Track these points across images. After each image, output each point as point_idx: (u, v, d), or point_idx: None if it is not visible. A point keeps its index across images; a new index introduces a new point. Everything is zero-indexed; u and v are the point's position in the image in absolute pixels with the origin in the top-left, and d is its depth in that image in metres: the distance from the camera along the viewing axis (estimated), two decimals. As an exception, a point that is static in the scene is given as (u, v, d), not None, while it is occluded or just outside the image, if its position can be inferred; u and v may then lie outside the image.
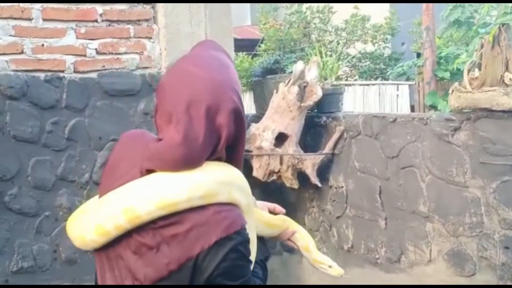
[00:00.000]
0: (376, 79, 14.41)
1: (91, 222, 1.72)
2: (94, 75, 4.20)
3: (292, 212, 5.57)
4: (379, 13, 15.44)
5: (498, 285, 4.05)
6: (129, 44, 4.31)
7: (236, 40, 5.54)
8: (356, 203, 4.99)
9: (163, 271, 1.64)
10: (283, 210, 2.29)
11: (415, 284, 4.53)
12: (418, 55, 12.07)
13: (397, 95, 13.00)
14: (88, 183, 4.20)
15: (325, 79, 5.49)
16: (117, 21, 4.28)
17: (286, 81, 5.08)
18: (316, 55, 5.72)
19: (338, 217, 5.17)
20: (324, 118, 5.26)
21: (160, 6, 4.39)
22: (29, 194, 3.99)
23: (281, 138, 5.07)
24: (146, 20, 4.38)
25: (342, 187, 5.10)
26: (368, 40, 15.02)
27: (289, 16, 14.00)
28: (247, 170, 5.10)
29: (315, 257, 2.34)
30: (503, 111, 3.95)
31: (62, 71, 4.10)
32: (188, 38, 4.46)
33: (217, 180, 1.69)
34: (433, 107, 6.74)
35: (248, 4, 20.69)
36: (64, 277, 4.06)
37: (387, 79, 13.68)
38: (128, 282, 1.69)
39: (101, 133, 4.20)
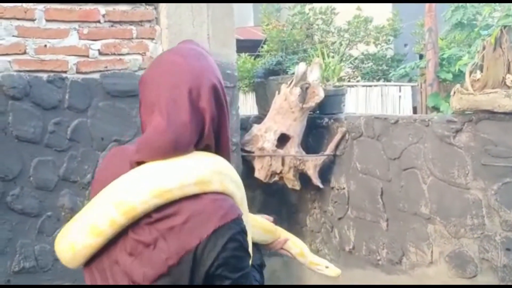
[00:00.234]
0: (378, 80, 14.41)
1: (83, 226, 1.68)
2: (96, 75, 4.20)
3: (294, 213, 5.58)
4: (381, 14, 15.44)
5: (499, 285, 4.05)
6: (131, 45, 4.32)
7: (238, 41, 5.54)
8: (358, 205, 4.99)
9: (162, 268, 1.61)
10: (271, 218, 2.26)
11: (416, 284, 4.54)
12: (421, 56, 12.06)
13: (400, 96, 13.00)
14: (90, 183, 4.20)
15: (327, 80, 5.49)
16: (120, 22, 4.29)
17: (288, 82, 5.08)
18: (318, 56, 5.72)
19: (339, 218, 5.17)
20: (326, 120, 5.27)
21: (162, 7, 4.39)
22: (31, 195, 4.00)
23: (283, 139, 5.07)
24: (149, 21, 4.39)
25: (343, 188, 5.11)
26: (371, 41, 15.01)
27: (292, 17, 13.99)
28: (249, 171, 5.10)
29: (311, 259, 2.35)
30: (505, 113, 3.95)
31: (65, 72, 4.10)
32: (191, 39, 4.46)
33: (209, 168, 1.68)
34: (436, 108, 6.74)
35: (250, 5, 20.70)
36: (66, 277, 4.06)
37: (390, 81, 13.67)
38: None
39: (104, 134, 4.21)
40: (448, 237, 4.33)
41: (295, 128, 5.05)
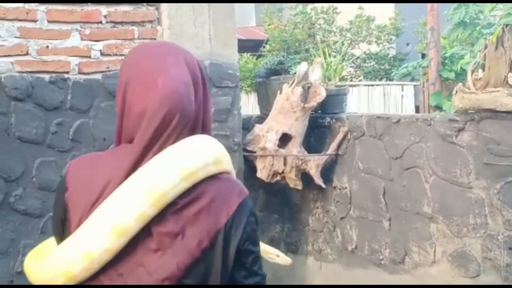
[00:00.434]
0: (380, 79, 14.43)
1: (97, 230, 1.60)
2: (98, 76, 4.21)
3: (296, 212, 5.58)
4: (383, 13, 15.44)
5: (503, 285, 4.05)
6: (133, 46, 4.32)
7: (240, 41, 5.55)
8: (360, 204, 4.99)
9: (196, 253, 1.62)
10: None
11: (419, 284, 4.54)
12: (423, 55, 12.06)
13: (402, 95, 13.02)
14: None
15: (329, 80, 5.50)
16: (122, 23, 4.29)
17: (290, 82, 5.09)
18: (320, 56, 5.72)
19: (342, 218, 5.17)
20: (328, 119, 5.27)
21: (164, 7, 4.40)
22: (34, 195, 4.00)
23: (285, 139, 5.08)
24: (150, 22, 4.39)
25: (346, 188, 5.10)
26: (373, 41, 15.03)
27: (294, 16, 14.00)
28: (251, 171, 5.11)
29: (263, 248, 2.38)
30: (507, 112, 3.95)
31: (67, 73, 4.11)
32: (192, 39, 4.47)
33: (218, 148, 1.76)
34: (438, 107, 6.74)
35: (252, 5, 20.71)
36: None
37: (392, 80, 13.70)
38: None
39: (106, 134, 4.21)
40: (451, 237, 4.32)
41: (297, 128, 5.05)
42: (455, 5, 8.67)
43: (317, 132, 5.35)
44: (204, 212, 1.63)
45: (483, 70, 4.13)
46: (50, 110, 4.04)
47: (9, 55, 3.93)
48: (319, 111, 5.39)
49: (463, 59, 5.69)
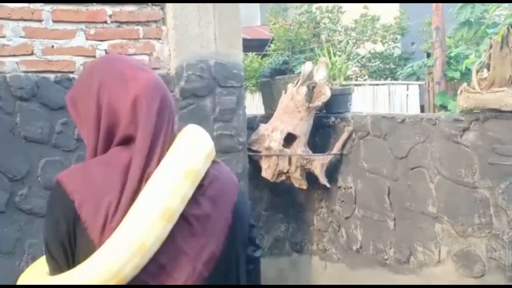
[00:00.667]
0: (386, 79, 14.43)
1: (150, 219, 1.55)
2: (103, 76, 4.21)
3: (301, 212, 5.59)
4: (388, 13, 15.44)
5: (507, 285, 4.05)
6: (138, 45, 4.33)
7: (245, 40, 5.55)
8: (365, 204, 4.99)
9: (225, 230, 1.68)
10: None
11: (424, 284, 4.53)
12: (428, 55, 12.07)
13: (407, 95, 13.01)
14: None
15: (334, 79, 5.49)
16: (126, 23, 4.30)
17: (295, 82, 5.09)
18: (325, 55, 5.72)
19: (346, 218, 5.17)
20: (333, 119, 5.27)
21: (169, 7, 4.40)
22: (39, 195, 4.01)
23: (289, 139, 5.08)
24: (155, 21, 4.40)
25: (350, 187, 5.10)
26: (378, 40, 15.02)
27: (299, 16, 14.01)
28: (256, 171, 5.11)
29: None
30: (512, 112, 3.95)
31: (72, 72, 4.12)
32: (197, 39, 4.47)
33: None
34: (443, 107, 6.74)
35: (257, 4, 20.71)
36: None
37: (397, 79, 13.69)
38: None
39: (111, 134, 4.22)
40: (456, 236, 4.32)
41: (302, 127, 5.05)
42: (459, 5, 8.66)
43: (322, 132, 5.35)
44: (222, 191, 1.71)
45: (488, 70, 4.12)
46: (55, 110, 4.05)
47: (14, 55, 3.94)
48: (324, 111, 5.40)
49: (468, 59, 5.69)
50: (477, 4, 8.48)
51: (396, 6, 16.66)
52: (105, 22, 4.21)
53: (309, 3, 14.22)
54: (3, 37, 3.92)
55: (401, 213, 4.69)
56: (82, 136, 1.77)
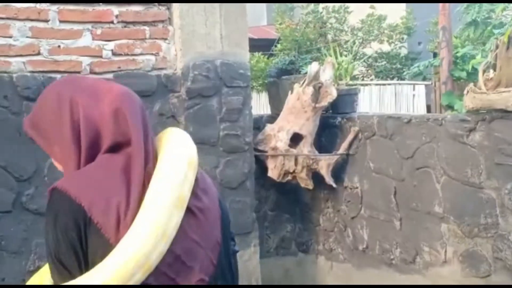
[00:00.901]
0: (392, 79, 14.40)
1: (168, 207, 1.58)
2: (110, 76, 4.22)
3: (307, 212, 5.59)
4: (395, 12, 15.42)
5: (513, 286, 4.04)
6: (144, 45, 4.33)
7: (252, 40, 5.56)
8: (371, 204, 4.99)
9: (219, 221, 1.76)
10: None
11: (430, 284, 4.53)
12: (435, 54, 12.04)
13: (414, 95, 12.99)
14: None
15: (340, 79, 5.49)
16: (133, 23, 4.30)
17: (301, 82, 5.09)
18: (331, 55, 5.72)
19: (353, 218, 5.17)
20: (339, 119, 5.27)
21: (175, 7, 4.41)
22: (46, 195, 3.99)
23: (296, 139, 5.08)
24: (162, 21, 4.40)
25: (357, 187, 5.10)
26: (384, 40, 15.01)
27: (305, 16, 14.00)
28: (262, 171, 5.11)
29: None
30: (519, 112, 3.94)
31: (79, 72, 4.12)
32: (203, 39, 4.48)
33: None
34: (450, 107, 6.72)
35: (264, 4, 20.71)
36: (80, 276, 4.08)
37: (404, 79, 13.67)
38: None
39: (117, 134, 4.22)
40: (462, 237, 4.31)
41: (308, 127, 5.06)
42: (465, 5, 8.65)
43: (328, 132, 5.35)
44: (209, 185, 1.78)
45: (494, 70, 4.11)
46: (62, 110, 4.05)
47: (21, 55, 3.95)
48: (330, 111, 5.40)
49: (475, 59, 5.68)
50: (483, 4, 8.47)
51: (402, 6, 16.63)
52: (112, 22, 4.22)
53: (315, 3, 14.21)
54: (10, 37, 3.93)
55: (407, 213, 4.69)
56: (54, 157, 1.80)
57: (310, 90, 4.96)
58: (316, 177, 5.16)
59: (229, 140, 4.56)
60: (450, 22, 7.58)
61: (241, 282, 4.92)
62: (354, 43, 13.19)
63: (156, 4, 4.37)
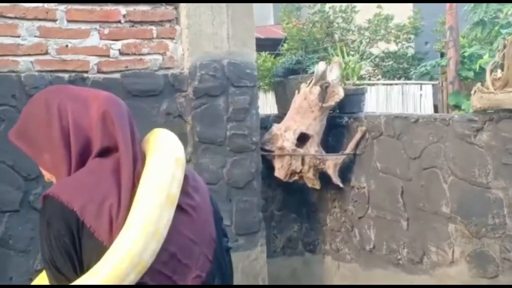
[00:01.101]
0: (399, 78, 14.38)
1: (160, 205, 1.61)
2: (117, 75, 4.23)
3: (314, 212, 5.58)
4: (402, 12, 15.39)
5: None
6: (152, 45, 4.34)
7: (258, 39, 5.56)
8: (378, 204, 4.98)
9: (212, 217, 1.79)
10: None
11: (437, 285, 4.52)
12: (442, 54, 12.02)
13: (421, 94, 12.97)
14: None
15: (347, 79, 5.49)
16: (140, 22, 4.30)
17: (308, 82, 5.08)
18: (338, 55, 5.71)
19: (360, 218, 5.17)
20: (346, 119, 5.26)
21: (182, 7, 4.41)
22: (53, 194, 4.02)
23: (302, 139, 5.08)
24: (169, 21, 4.41)
25: (364, 187, 5.10)
26: (391, 40, 14.98)
27: (312, 15, 14.00)
28: (269, 170, 5.11)
29: None
30: (526, 112, 3.93)
31: (86, 72, 4.13)
32: (210, 39, 4.48)
33: None
34: (457, 106, 6.72)
35: (271, 4, 20.72)
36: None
37: (411, 79, 13.66)
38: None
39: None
40: (469, 237, 4.30)
41: (315, 127, 5.05)
42: (472, 4, 8.63)
43: (335, 132, 5.34)
44: (199, 182, 1.81)
45: (502, 70, 4.10)
46: (69, 109, 4.06)
47: (28, 54, 3.96)
48: (337, 111, 5.39)
49: (482, 59, 5.67)
50: (491, 4, 8.45)
51: (409, 5, 16.60)
52: (119, 21, 4.22)
53: (322, 3, 14.20)
54: (18, 36, 3.94)
55: (414, 213, 4.68)
56: (42, 165, 1.82)
57: (317, 89, 4.95)
58: (323, 177, 5.16)
59: (236, 140, 4.56)
60: (457, 22, 7.57)
61: (248, 281, 4.94)
62: (361, 42, 13.19)
63: (163, 3, 4.37)
